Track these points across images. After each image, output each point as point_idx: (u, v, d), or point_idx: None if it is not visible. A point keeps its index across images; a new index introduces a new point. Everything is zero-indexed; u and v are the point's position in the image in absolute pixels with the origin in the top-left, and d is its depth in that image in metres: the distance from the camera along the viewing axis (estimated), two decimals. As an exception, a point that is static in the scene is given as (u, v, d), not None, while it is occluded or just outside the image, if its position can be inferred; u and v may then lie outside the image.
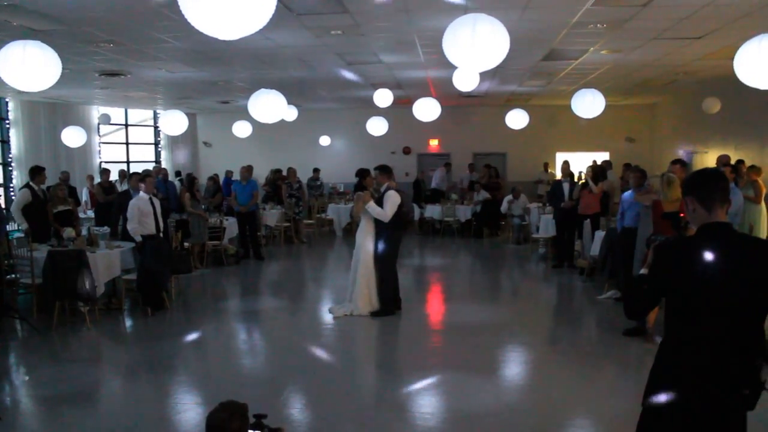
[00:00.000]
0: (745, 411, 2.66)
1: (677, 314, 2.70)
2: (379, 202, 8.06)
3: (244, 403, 2.56)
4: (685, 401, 2.62)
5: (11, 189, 14.52)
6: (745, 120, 12.48)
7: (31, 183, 9.75)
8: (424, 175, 18.59)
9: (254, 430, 2.54)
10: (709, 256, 2.58)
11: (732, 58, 6.07)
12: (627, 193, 8.20)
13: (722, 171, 2.92)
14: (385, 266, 8.13)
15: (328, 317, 8.15)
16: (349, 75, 12.15)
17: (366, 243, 8.14)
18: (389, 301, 8.17)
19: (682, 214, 3.75)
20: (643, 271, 2.81)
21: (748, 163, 10.62)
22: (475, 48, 4.97)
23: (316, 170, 17.98)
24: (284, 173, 15.67)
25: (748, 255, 2.63)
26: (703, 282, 2.59)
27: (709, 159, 13.76)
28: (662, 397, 2.68)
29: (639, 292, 2.83)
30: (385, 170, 8.38)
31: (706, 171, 2.87)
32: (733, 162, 10.27)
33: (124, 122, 19.07)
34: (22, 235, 9.11)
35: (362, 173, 8.86)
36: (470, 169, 18.27)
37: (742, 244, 2.70)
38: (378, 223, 8.09)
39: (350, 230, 15.41)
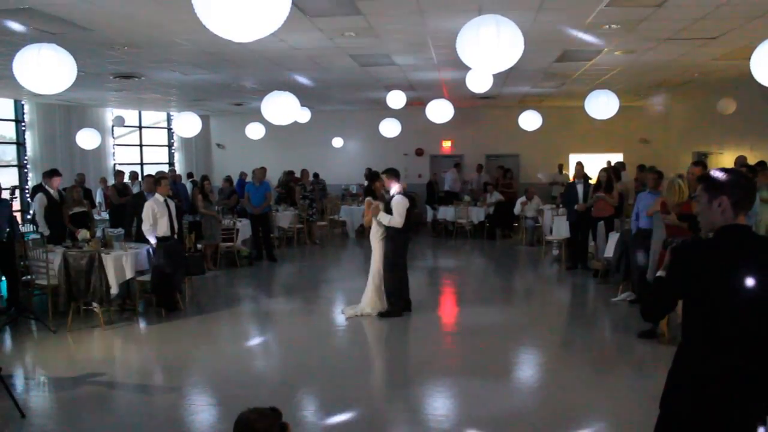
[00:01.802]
0: (766, 416, 2.61)
1: (696, 317, 2.65)
2: (388, 208, 8.08)
3: (279, 411, 2.54)
4: (704, 405, 2.58)
5: (26, 190, 14.65)
6: (760, 121, 12.35)
7: (45, 186, 9.80)
8: (437, 177, 18.55)
9: None
10: (729, 258, 2.55)
11: (748, 59, 6.02)
12: (642, 194, 8.14)
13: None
14: (393, 267, 8.13)
15: (340, 319, 8.17)
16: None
17: (376, 245, 8.20)
18: (397, 301, 8.17)
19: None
20: (660, 273, 2.77)
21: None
22: (490, 49, 4.94)
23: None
24: (297, 175, 15.70)
25: (767, 257, 2.59)
26: (723, 284, 2.55)
27: (724, 160, 13.63)
28: (681, 401, 2.64)
29: (657, 295, 2.80)
30: (392, 173, 8.37)
31: (746, 176, 2.79)
32: (750, 162, 10.15)
33: (137, 124, 19.20)
34: (38, 236, 9.16)
35: (372, 177, 8.83)
36: (479, 170, 18.20)
37: (762, 246, 2.66)
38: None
39: (363, 232, 15.42)
